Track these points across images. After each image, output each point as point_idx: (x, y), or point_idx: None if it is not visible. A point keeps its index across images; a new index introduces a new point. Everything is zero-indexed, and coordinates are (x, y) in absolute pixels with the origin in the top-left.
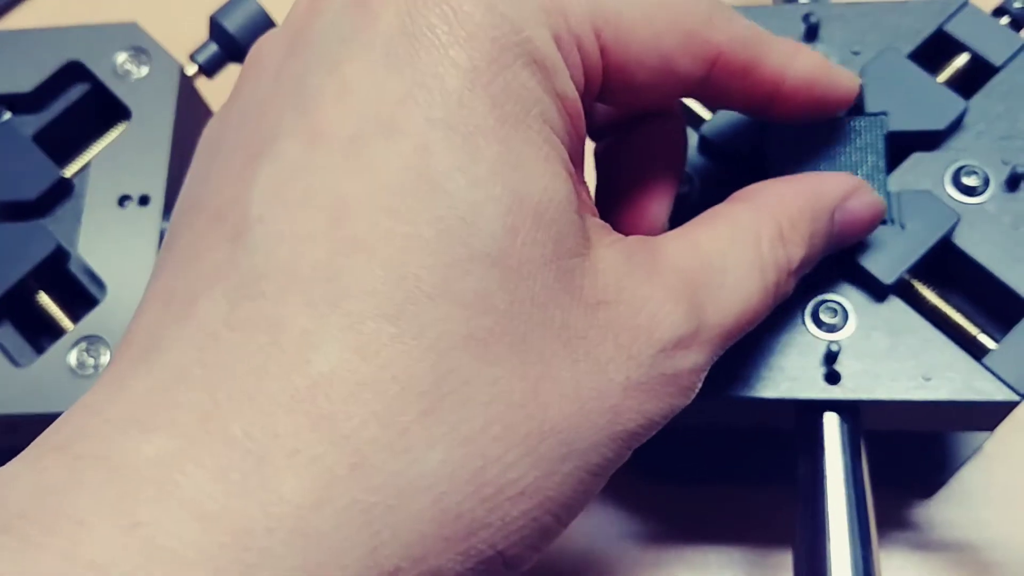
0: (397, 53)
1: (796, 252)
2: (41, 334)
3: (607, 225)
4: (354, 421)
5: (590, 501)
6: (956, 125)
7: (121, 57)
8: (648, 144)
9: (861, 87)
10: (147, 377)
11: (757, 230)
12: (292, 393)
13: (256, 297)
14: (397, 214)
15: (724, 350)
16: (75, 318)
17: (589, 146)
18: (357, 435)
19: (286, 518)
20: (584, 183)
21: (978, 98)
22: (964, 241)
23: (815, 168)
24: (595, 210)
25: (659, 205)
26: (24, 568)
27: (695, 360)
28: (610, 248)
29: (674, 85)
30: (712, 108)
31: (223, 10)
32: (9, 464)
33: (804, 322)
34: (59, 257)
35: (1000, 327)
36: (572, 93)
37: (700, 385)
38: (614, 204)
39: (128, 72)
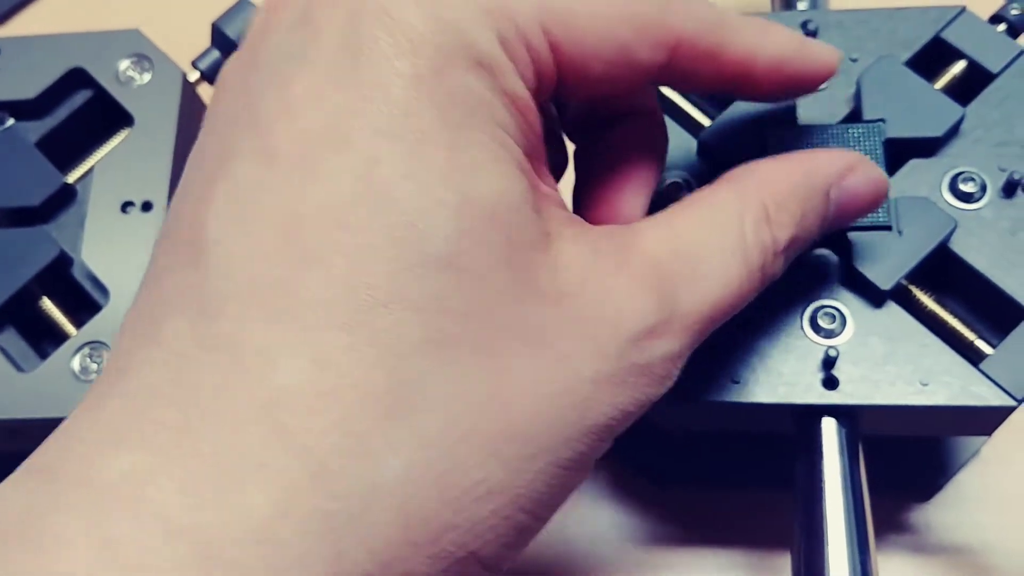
0: (341, 67)
1: (783, 233)
2: (44, 339)
3: (574, 217)
4: (315, 431)
5: (570, 494)
6: (953, 132)
7: (124, 64)
8: (624, 141)
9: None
10: (121, 398)
11: (740, 212)
12: (257, 408)
13: (217, 317)
14: (348, 226)
15: (704, 336)
16: (78, 323)
17: (571, 146)
18: (318, 444)
19: (252, 530)
20: (550, 176)
21: (975, 105)
22: (961, 247)
23: None
24: (561, 202)
25: (635, 200)
26: None
27: (668, 348)
28: (573, 241)
29: (634, 73)
30: (684, 92)
31: (225, 17)
32: None
33: (802, 327)
34: (62, 263)
35: (997, 332)
36: (522, 92)
37: (677, 373)
38: (591, 200)
39: (131, 79)
